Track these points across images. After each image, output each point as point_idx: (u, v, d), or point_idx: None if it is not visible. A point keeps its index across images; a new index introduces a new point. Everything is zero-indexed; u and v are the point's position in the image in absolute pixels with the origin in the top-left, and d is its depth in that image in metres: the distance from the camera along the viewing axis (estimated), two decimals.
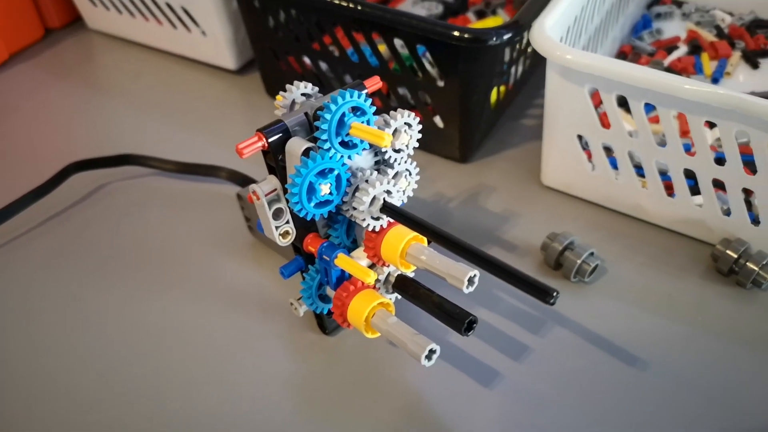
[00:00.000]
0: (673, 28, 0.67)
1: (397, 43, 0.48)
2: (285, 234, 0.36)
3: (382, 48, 0.51)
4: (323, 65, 0.54)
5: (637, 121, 0.42)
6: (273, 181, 0.34)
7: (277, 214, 0.35)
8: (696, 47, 0.64)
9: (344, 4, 0.47)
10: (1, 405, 0.39)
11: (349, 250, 0.38)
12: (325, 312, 0.39)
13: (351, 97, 0.33)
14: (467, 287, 0.32)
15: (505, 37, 0.44)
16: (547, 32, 0.42)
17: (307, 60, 0.54)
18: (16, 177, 0.53)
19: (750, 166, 0.41)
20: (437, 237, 0.31)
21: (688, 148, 0.42)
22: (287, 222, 0.35)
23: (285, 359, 0.41)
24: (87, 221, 0.49)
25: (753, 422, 0.37)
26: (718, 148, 0.42)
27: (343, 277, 0.36)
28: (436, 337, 0.40)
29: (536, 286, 0.27)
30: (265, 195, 0.34)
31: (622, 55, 0.63)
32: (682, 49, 0.64)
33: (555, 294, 0.27)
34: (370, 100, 0.34)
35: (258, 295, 0.44)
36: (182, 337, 0.42)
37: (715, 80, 0.60)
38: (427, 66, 0.48)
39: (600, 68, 0.40)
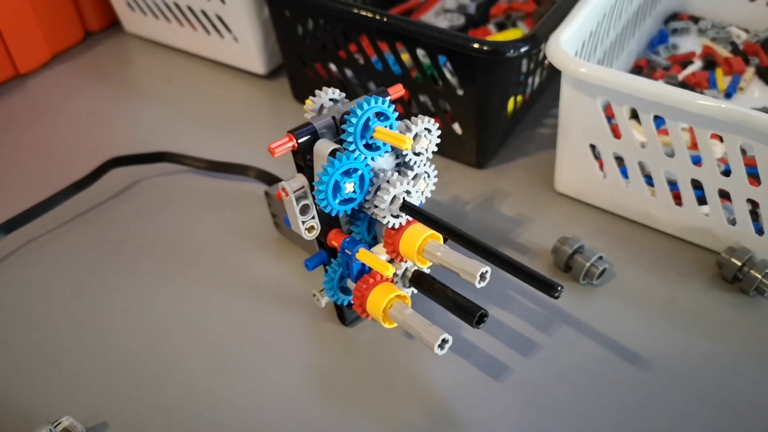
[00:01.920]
0: (689, 43, 0.68)
1: (419, 52, 0.50)
2: (311, 229, 0.38)
3: (405, 57, 0.53)
4: (348, 72, 0.56)
5: (646, 133, 0.44)
6: (301, 179, 0.37)
7: (304, 210, 0.38)
8: (710, 63, 0.66)
9: (370, 15, 0.49)
10: (37, 375, 0.42)
11: (369, 246, 0.40)
12: (345, 303, 0.41)
13: (375, 103, 0.35)
14: (479, 282, 0.34)
15: (522, 50, 0.46)
16: (562, 46, 0.44)
17: (333, 67, 0.57)
18: (56, 171, 0.56)
19: (756, 177, 0.43)
20: (452, 234, 0.34)
21: (697, 160, 0.44)
22: (313, 218, 0.38)
23: (306, 348, 0.43)
24: (123, 214, 0.53)
25: (749, 427, 0.38)
26: (728, 161, 0.44)
27: (364, 271, 0.39)
28: (449, 331, 0.42)
29: (542, 281, 0.29)
30: (294, 192, 0.37)
31: (637, 68, 0.65)
32: (697, 64, 0.66)
33: (559, 288, 0.29)
34: (393, 107, 0.36)
35: (282, 287, 0.47)
36: (209, 325, 0.45)
37: (728, 95, 0.62)
38: (448, 75, 0.50)
39: (611, 81, 0.42)
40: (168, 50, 0.71)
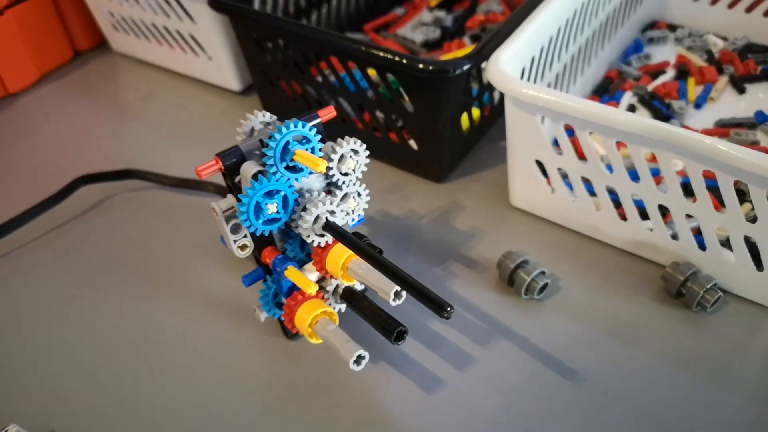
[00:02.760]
0: (665, 52, 0.68)
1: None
2: (243, 247, 0.40)
3: (373, 73, 0.54)
4: (310, 89, 0.58)
5: (584, 148, 0.45)
6: (231, 200, 0.38)
7: (235, 229, 0.39)
8: (683, 72, 0.65)
9: (324, 38, 0.51)
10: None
11: (302, 263, 0.42)
12: (281, 318, 0.43)
13: (295, 127, 0.36)
14: (393, 300, 0.35)
15: (465, 67, 0.47)
16: (501, 66, 0.45)
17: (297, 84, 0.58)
18: (34, 188, 0.59)
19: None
20: (364, 255, 0.35)
21: (635, 176, 0.44)
22: (245, 236, 0.39)
23: (253, 362, 0.45)
24: (90, 230, 0.55)
25: None
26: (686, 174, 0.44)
27: (294, 287, 0.40)
28: (389, 346, 0.44)
29: (433, 300, 0.30)
30: (223, 212, 0.38)
31: (608, 80, 0.65)
32: (670, 74, 0.66)
33: (449, 309, 0.30)
34: (315, 130, 0.37)
35: (235, 301, 0.48)
36: (161, 336, 0.47)
37: (697, 105, 0.62)
38: (403, 93, 0.52)
39: (544, 100, 0.43)
40: (151, 68, 0.73)
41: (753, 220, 0.41)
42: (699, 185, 0.41)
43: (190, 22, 0.63)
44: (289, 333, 0.45)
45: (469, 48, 0.66)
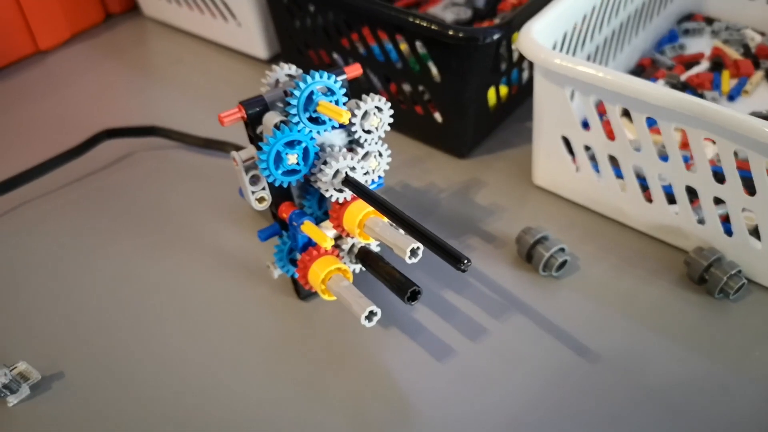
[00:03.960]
0: (700, 44, 0.67)
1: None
2: (261, 200, 0.39)
3: (404, 47, 0.54)
4: (338, 58, 0.58)
5: (613, 125, 0.44)
6: (251, 150, 0.38)
7: (254, 180, 0.39)
8: (718, 64, 0.64)
9: (353, 2, 0.50)
10: (24, 336, 0.44)
11: (319, 220, 0.41)
12: (295, 275, 0.42)
13: (320, 78, 0.36)
14: (410, 258, 0.35)
15: (495, 36, 0.46)
16: (533, 35, 0.44)
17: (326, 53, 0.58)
18: (58, 140, 0.59)
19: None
20: (383, 209, 0.34)
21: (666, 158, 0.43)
22: (263, 189, 0.39)
23: (265, 321, 0.44)
24: (110, 184, 0.55)
25: (688, 428, 0.37)
26: (716, 161, 0.43)
27: (310, 243, 0.40)
28: (401, 312, 0.43)
29: (450, 253, 0.30)
30: (243, 161, 0.38)
31: (640, 67, 0.64)
32: (704, 65, 0.64)
33: (466, 261, 0.29)
34: (339, 83, 0.37)
35: (250, 259, 0.48)
36: (175, 290, 0.46)
37: (731, 98, 0.60)
38: (430, 65, 0.51)
39: (573, 71, 0.42)
40: (181, 34, 0.73)
41: None
42: (730, 166, 0.40)
43: None
44: (302, 293, 0.44)
45: None
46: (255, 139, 0.38)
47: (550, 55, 0.43)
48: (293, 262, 0.42)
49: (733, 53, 0.65)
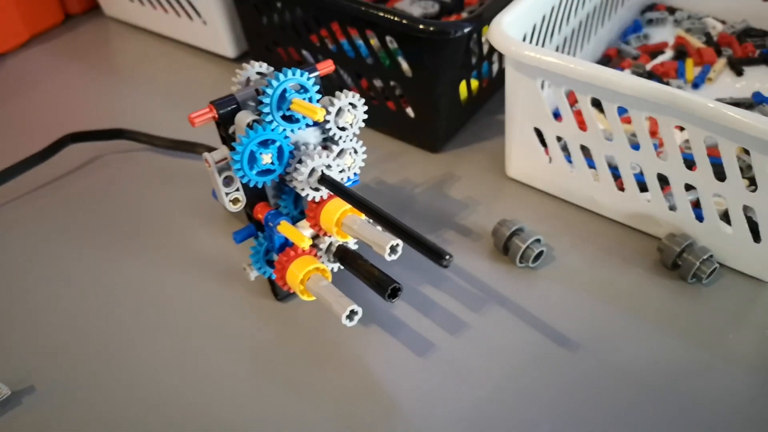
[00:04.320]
0: (663, 34, 0.68)
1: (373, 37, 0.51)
2: (235, 201, 0.39)
3: (373, 42, 0.53)
4: (307, 55, 0.57)
5: (585, 116, 0.44)
6: (224, 151, 0.37)
7: (227, 182, 0.38)
8: (682, 53, 0.65)
9: None
10: None
11: (295, 220, 0.41)
12: (271, 276, 0.42)
13: (293, 75, 0.36)
14: (389, 255, 0.35)
15: (466, 29, 0.46)
16: (503, 27, 0.44)
17: (294, 50, 0.57)
18: (20, 146, 0.57)
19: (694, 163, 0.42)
20: (360, 205, 0.34)
21: (637, 147, 0.44)
22: (237, 189, 0.38)
23: (243, 323, 0.44)
24: (77, 189, 0.54)
25: (672, 410, 0.38)
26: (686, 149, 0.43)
27: (287, 244, 0.39)
28: (380, 310, 0.43)
29: (431, 249, 0.29)
30: (216, 163, 0.37)
31: (606, 57, 0.65)
32: (668, 54, 0.65)
33: (447, 257, 0.29)
34: (312, 80, 0.36)
35: (224, 261, 0.47)
36: (148, 296, 0.45)
37: (695, 85, 0.61)
38: (400, 60, 0.51)
39: (546, 62, 0.42)
40: (145, 33, 0.72)
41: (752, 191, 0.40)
42: (700, 152, 0.41)
43: None
44: (280, 294, 0.44)
45: None
46: (227, 139, 0.37)
47: (522, 47, 0.43)
48: (270, 263, 0.41)
49: (696, 42, 0.66)
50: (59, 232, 0.50)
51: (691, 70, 0.63)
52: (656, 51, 0.65)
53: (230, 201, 0.39)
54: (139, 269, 0.47)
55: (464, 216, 0.50)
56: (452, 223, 0.50)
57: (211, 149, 0.53)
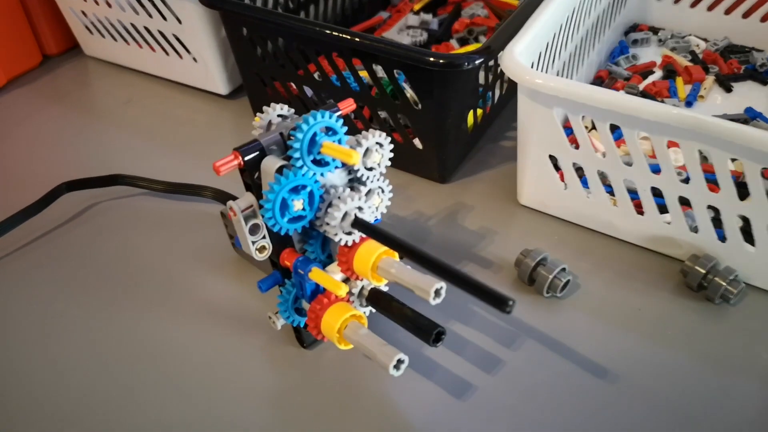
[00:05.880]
0: (650, 53, 0.69)
1: (378, 69, 0.50)
2: (262, 249, 0.37)
3: (364, 74, 0.53)
4: (308, 90, 0.56)
5: (603, 142, 0.44)
6: (249, 198, 0.36)
7: (254, 230, 0.36)
8: (671, 72, 0.66)
9: (327, 31, 0.49)
10: None
11: (324, 265, 0.39)
12: (301, 325, 0.40)
13: (322, 117, 0.34)
14: (434, 299, 0.33)
15: (477, 62, 0.46)
16: (516, 57, 0.44)
17: (293, 85, 0.56)
18: (10, 197, 0.54)
19: (716, 184, 0.42)
20: (405, 250, 0.33)
21: (656, 168, 0.44)
22: (263, 237, 0.37)
23: (265, 373, 0.42)
24: (75, 240, 0.51)
25: None
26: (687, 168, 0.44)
27: (318, 291, 0.38)
28: (411, 350, 0.41)
29: (494, 295, 0.28)
30: (242, 211, 0.36)
31: (598, 79, 0.65)
32: (658, 74, 0.66)
33: (511, 303, 0.28)
34: (341, 121, 0.35)
35: (239, 309, 0.45)
36: (164, 350, 0.43)
37: (688, 103, 0.62)
38: (407, 90, 0.50)
39: (566, 91, 0.42)
40: (128, 72, 0.70)
41: None
42: (724, 174, 0.41)
43: (174, 22, 0.60)
44: (306, 341, 0.42)
45: (473, 46, 0.65)
46: (253, 186, 0.36)
47: (537, 76, 0.43)
48: (299, 311, 0.40)
49: (682, 60, 0.67)
50: (59, 287, 0.47)
51: (682, 89, 0.64)
52: (645, 71, 0.66)
53: (257, 249, 0.37)
54: (148, 323, 0.45)
55: (482, 247, 0.49)
56: (471, 254, 0.49)
57: (218, 192, 0.52)
